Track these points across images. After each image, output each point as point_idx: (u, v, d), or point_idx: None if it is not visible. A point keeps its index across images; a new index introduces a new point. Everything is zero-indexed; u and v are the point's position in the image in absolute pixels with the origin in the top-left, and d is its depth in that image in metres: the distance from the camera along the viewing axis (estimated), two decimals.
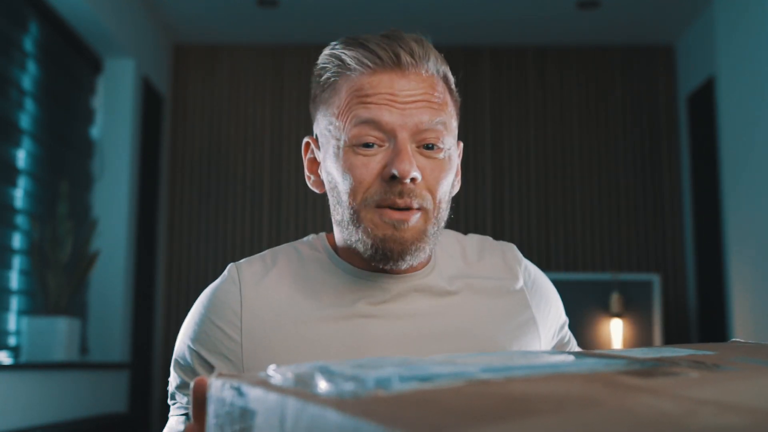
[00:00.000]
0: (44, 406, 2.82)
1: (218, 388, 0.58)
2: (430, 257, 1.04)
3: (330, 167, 0.97)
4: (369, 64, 0.94)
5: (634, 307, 3.85)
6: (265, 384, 0.52)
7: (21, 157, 2.98)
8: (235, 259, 4.22)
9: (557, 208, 4.33)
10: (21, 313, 2.97)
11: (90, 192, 3.61)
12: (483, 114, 4.40)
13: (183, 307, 4.22)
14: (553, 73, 4.43)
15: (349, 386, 0.48)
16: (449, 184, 0.97)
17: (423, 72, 0.95)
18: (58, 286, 2.92)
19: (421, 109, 0.93)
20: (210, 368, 0.97)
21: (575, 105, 4.41)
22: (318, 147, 1.01)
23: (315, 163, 1.03)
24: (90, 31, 3.43)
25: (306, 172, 1.05)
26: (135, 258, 3.76)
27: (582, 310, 3.81)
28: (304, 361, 0.96)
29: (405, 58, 0.94)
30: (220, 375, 0.59)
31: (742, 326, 3.34)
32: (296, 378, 0.52)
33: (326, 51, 0.99)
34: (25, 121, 3.01)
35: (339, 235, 1.01)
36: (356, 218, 0.94)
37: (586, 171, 4.35)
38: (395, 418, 0.41)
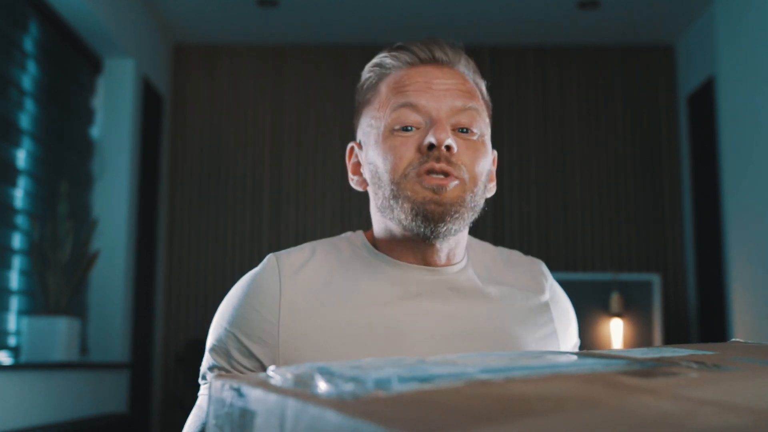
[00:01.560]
0: (44, 406, 2.82)
1: (218, 388, 0.58)
2: (464, 255, 1.08)
3: (372, 156, 1.02)
4: (407, 59, 1.02)
5: (634, 307, 3.85)
6: (265, 385, 0.52)
7: (21, 157, 2.98)
8: (234, 259, 4.23)
9: (557, 208, 4.33)
10: (21, 313, 2.97)
11: (90, 192, 3.61)
12: None
13: (183, 307, 4.22)
14: (553, 73, 4.43)
15: (348, 387, 0.48)
16: (485, 166, 1.02)
17: (450, 62, 1.03)
18: (58, 286, 2.92)
19: (455, 95, 1.00)
20: (245, 351, 0.99)
21: (575, 105, 4.41)
22: (361, 148, 1.06)
23: (358, 165, 1.08)
24: (90, 31, 3.43)
25: (350, 175, 1.10)
26: (135, 258, 3.76)
27: (582, 310, 3.81)
28: (338, 348, 0.96)
29: (439, 54, 1.02)
30: (220, 376, 0.59)
31: (742, 326, 3.34)
32: (296, 379, 0.52)
33: (367, 66, 1.07)
34: (25, 121, 3.01)
35: (379, 223, 1.05)
36: (396, 191, 0.98)
37: (586, 171, 4.35)
38: (395, 418, 0.41)
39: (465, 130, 0.99)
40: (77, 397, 3.12)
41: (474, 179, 0.99)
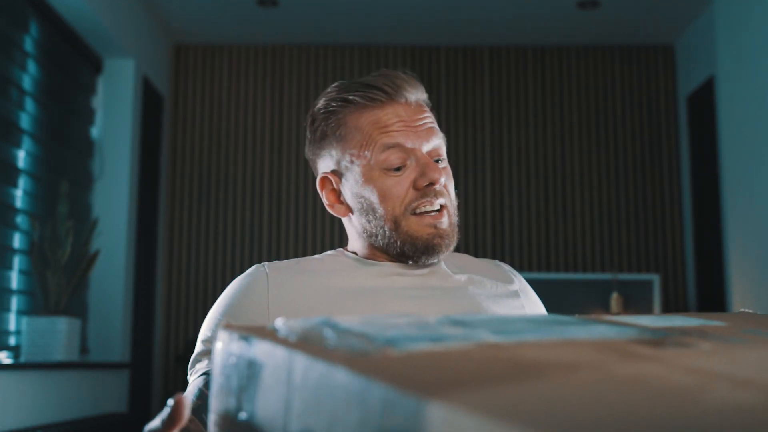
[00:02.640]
0: (44, 406, 2.82)
1: (226, 339, 0.57)
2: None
3: (362, 191, 1.13)
4: (378, 98, 1.12)
5: (634, 307, 3.85)
6: (273, 337, 0.52)
7: (21, 157, 2.98)
8: (234, 259, 4.23)
9: (557, 208, 4.33)
10: (21, 313, 2.97)
11: (90, 192, 3.61)
12: (483, 114, 4.40)
13: (183, 307, 4.22)
14: (553, 73, 4.43)
15: (358, 343, 0.48)
16: (453, 184, 1.17)
17: (417, 100, 1.15)
18: (58, 286, 2.92)
19: (431, 132, 1.14)
20: None
21: (575, 105, 4.41)
22: (338, 179, 1.16)
23: (334, 193, 1.18)
24: (90, 31, 3.43)
25: (327, 202, 1.19)
26: (135, 258, 3.76)
27: (582, 310, 3.81)
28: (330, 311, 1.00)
29: (405, 90, 1.13)
30: (228, 326, 0.59)
31: None
32: (304, 332, 0.52)
33: (325, 98, 1.16)
34: (25, 121, 3.01)
35: (364, 245, 1.17)
36: (397, 226, 1.12)
37: (586, 171, 4.35)
38: (405, 378, 0.40)
39: (438, 159, 1.14)
40: (77, 397, 3.12)
41: (453, 203, 1.15)
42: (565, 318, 0.63)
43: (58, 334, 2.88)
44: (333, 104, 1.15)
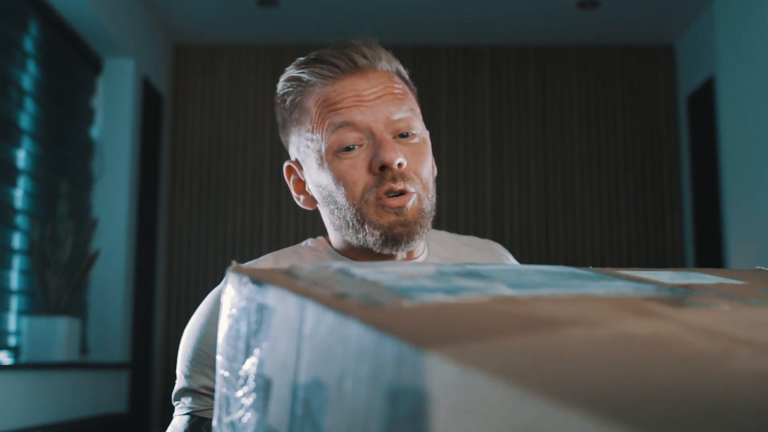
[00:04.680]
0: (44, 406, 2.82)
1: (235, 280, 0.56)
2: (424, 248, 1.09)
3: (319, 179, 1.01)
4: (329, 74, 0.99)
5: None
6: (285, 283, 0.50)
7: (21, 157, 2.98)
8: (235, 259, 4.22)
9: (557, 208, 4.33)
10: (21, 313, 2.97)
11: (90, 192, 3.61)
12: (483, 114, 4.40)
13: (183, 307, 4.22)
14: (553, 73, 4.43)
15: (372, 293, 0.46)
16: (430, 165, 1.02)
17: (379, 69, 1.00)
18: (58, 286, 2.92)
19: (388, 101, 0.98)
20: (215, 364, 0.97)
21: (575, 105, 4.41)
22: (300, 167, 1.05)
23: (300, 184, 1.07)
24: (90, 31, 3.43)
25: (294, 194, 1.08)
26: (135, 258, 3.76)
27: None
28: None
29: (360, 61, 0.99)
30: (238, 268, 0.57)
31: None
32: (317, 279, 0.50)
33: (282, 78, 1.04)
34: (25, 121, 3.01)
35: (338, 239, 1.05)
36: (360, 216, 0.98)
37: (585, 171, 4.35)
38: (419, 331, 0.40)
39: (405, 134, 0.99)
40: (77, 397, 3.12)
41: (425, 185, 1.00)
42: (581, 271, 0.61)
43: (58, 334, 2.88)
44: (287, 85, 1.03)
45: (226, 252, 4.27)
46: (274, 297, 0.50)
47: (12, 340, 2.92)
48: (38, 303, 3.02)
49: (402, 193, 0.97)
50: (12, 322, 2.92)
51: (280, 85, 1.04)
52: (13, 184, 2.91)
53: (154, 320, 4.09)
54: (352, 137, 0.97)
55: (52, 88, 3.25)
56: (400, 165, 0.96)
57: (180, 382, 1.01)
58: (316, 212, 1.09)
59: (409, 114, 1.00)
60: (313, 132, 0.99)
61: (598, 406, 0.30)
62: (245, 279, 0.54)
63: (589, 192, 4.34)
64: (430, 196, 1.01)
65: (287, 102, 1.03)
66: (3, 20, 2.82)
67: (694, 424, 0.29)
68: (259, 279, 0.53)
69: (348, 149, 0.97)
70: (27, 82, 3.04)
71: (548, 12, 4.01)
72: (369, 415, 0.40)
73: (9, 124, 2.88)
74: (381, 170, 0.96)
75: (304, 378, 0.46)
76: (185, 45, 4.42)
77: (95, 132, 3.68)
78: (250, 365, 0.52)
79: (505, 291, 0.49)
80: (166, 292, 4.25)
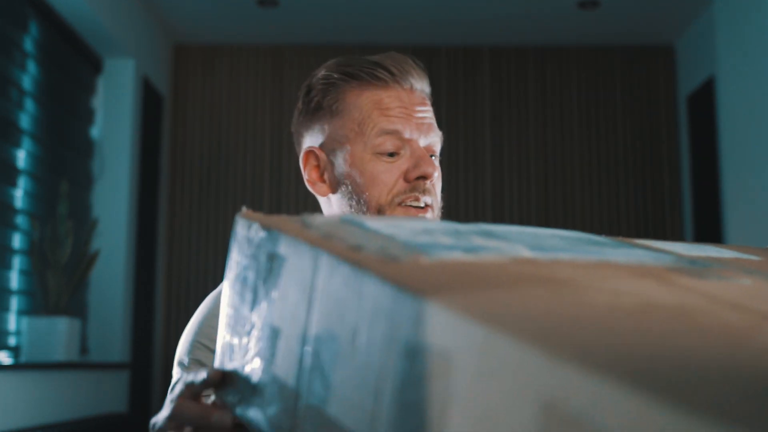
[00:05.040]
0: (44, 406, 2.82)
1: (244, 227, 0.54)
2: None
3: (350, 172, 1.06)
4: (384, 78, 1.06)
5: None
6: (297, 232, 0.49)
7: (21, 157, 2.98)
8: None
9: (557, 208, 4.33)
10: (21, 313, 2.97)
11: (90, 192, 3.61)
12: (483, 114, 4.40)
13: (183, 307, 4.22)
14: (553, 73, 4.43)
15: (388, 247, 0.44)
16: (441, 190, 1.13)
17: (421, 90, 1.09)
18: (58, 286, 2.92)
19: (429, 126, 1.08)
20: (212, 358, 0.98)
21: (575, 105, 4.41)
22: (326, 155, 1.08)
23: (317, 170, 1.10)
24: (90, 31, 3.43)
25: (307, 179, 1.11)
26: (135, 258, 3.76)
27: None
28: None
29: (412, 76, 1.08)
30: (247, 214, 0.55)
31: None
32: (332, 231, 0.48)
33: (325, 70, 1.09)
34: (25, 121, 3.01)
35: None
36: (380, 215, 1.05)
37: (585, 171, 4.35)
38: (440, 289, 0.38)
39: (432, 155, 1.09)
40: (77, 397, 3.11)
41: (438, 202, 1.09)
42: (598, 238, 0.59)
43: (58, 334, 2.88)
44: (335, 76, 1.07)
45: (226, 252, 4.26)
46: (286, 246, 0.49)
47: (12, 340, 2.92)
48: (38, 303, 3.02)
49: (425, 207, 1.06)
50: (12, 322, 2.92)
51: (323, 74, 1.08)
52: (13, 184, 2.91)
53: (154, 320, 4.09)
54: (396, 145, 1.04)
55: (52, 88, 3.25)
56: (433, 183, 1.07)
57: (176, 375, 1.03)
58: (317, 212, 1.09)
59: (437, 141, 1.09)
60: (356, 128, 1.05)
61: (633, 376, 0.28)
62: (256, 226, 0.52)
63: (589, 192, 4.34)
64: (439, 213, 1.11)
65: (329, 92, 1.07)
66: (3, 20, 2.82)
67: (728, 398, 0.27)
68: (270, 227, 0.51)
69: (390, 155, 1.05)
70: (27, 82, 3.04)
71: (548, 12, 4.01)
72: (383, 372, 0.38)
73: (9, 124, 2.88)
74: (416, 180, 1.05)
75: (315, 330, 0.44)
76: (185, 45, 4.41)
77: (95, 132, 3.68)
78: (257, 313, 0.51)
79: (525, 252, 0.47)
80: (166, 292, 4.25)
